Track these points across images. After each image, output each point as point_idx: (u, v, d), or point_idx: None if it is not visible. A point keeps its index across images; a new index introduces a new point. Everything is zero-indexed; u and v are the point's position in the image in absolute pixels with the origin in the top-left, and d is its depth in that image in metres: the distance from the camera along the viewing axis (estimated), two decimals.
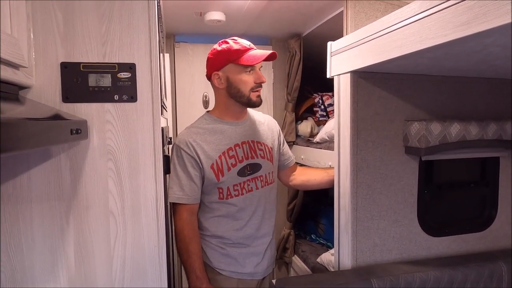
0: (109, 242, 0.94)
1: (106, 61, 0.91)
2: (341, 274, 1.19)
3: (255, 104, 1.30)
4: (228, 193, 1.31)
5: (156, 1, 0.95)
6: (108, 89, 0.91)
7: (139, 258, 0.96)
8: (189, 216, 1.29)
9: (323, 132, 1.99)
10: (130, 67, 0.92)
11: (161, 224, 0.97)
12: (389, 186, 1.25)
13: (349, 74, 1.18)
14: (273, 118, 1.57)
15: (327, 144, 1.91)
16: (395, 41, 0.90)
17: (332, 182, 1.38)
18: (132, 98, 0.93)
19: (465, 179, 1.42)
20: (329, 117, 2.20)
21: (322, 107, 2.26)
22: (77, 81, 0.89)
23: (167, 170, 1.04)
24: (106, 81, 0.91)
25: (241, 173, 1.32)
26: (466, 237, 1.36)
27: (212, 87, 1.36)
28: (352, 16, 1.53)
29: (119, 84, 0.92)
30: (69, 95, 0.89)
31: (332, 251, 1.77)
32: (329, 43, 1.28)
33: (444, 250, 1.33)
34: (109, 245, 0.94)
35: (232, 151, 1.31)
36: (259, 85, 1.28)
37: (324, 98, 2.25)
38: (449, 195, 1.39)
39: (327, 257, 1.93)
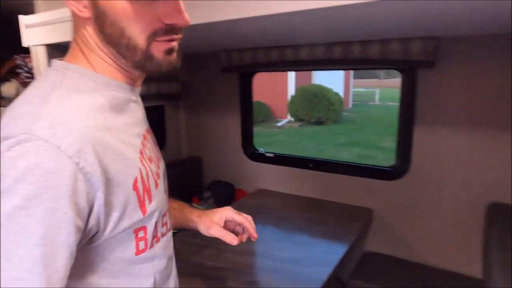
0: None
1: None
2: None
3: (160, 67, 0.58)
4: (155, 233, 0.64)
5: None
6: None
7: None
8: None
9: None
10: None
11: None
12: None
13: (44, 46, 1.44)
14: None
15: None
16: None
17: None
18: None
19: (150, 122, 2.10)
20: (34, 78, 2.29)
21: (26, 68, 2.29)
22: None
23: None
24: None
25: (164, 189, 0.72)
26: None
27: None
28: None
29: None
30: None
31: None
32: (21, 17, 1.45)
33: None
34: None
35: (147, 148, 0.67)
36: (172, 27, 0.56)
37: (26, 60, 2.29)
38: None
39: None
